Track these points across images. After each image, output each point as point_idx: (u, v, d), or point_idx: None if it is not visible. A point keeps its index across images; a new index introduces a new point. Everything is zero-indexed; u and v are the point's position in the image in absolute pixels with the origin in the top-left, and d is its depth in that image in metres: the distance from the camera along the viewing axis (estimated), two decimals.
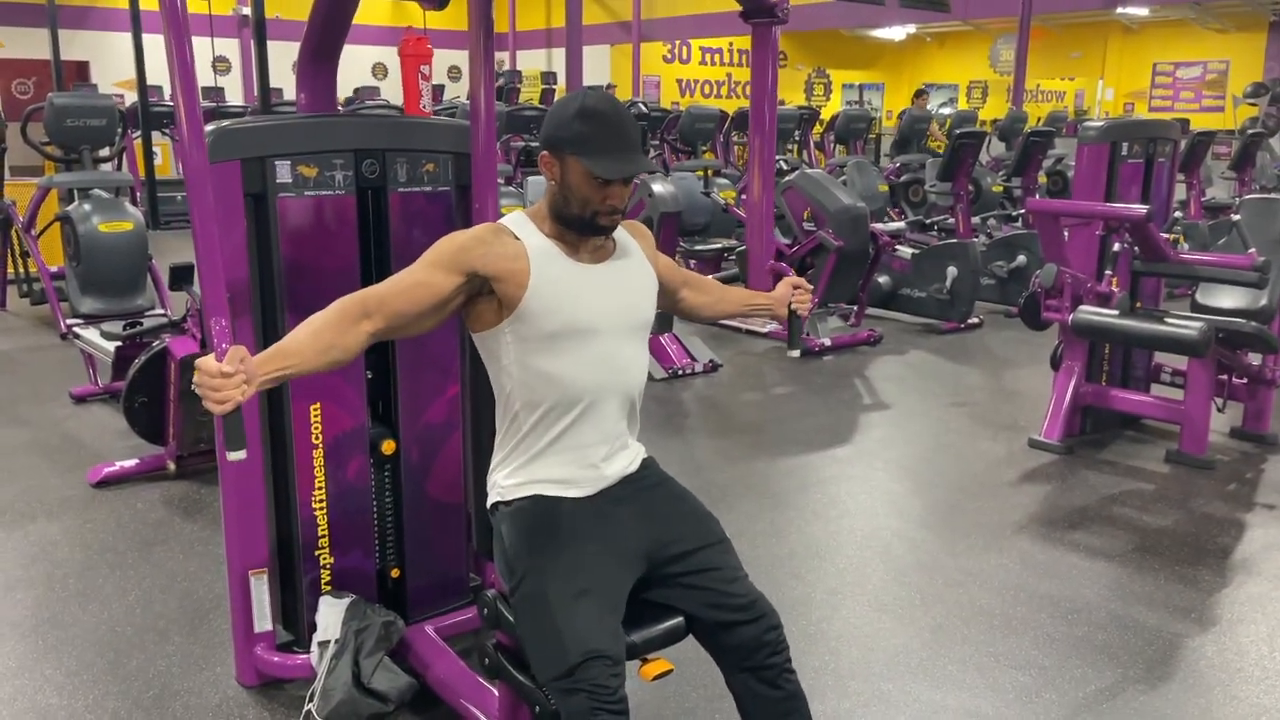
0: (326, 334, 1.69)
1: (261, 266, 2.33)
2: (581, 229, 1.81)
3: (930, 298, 6.80)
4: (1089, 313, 4.20)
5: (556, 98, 2.54)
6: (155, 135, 9.92)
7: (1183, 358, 4.30)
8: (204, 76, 9.89)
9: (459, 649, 2.55)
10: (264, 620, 2.48)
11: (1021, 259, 7.16)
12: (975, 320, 6.84)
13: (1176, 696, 2.58)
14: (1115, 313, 4.23)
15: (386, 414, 2.55)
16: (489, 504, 1.92)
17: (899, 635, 2.86)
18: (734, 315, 2.26)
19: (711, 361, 5.69)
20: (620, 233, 1.93)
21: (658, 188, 5.98)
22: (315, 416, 2.41)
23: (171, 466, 3.91)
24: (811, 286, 2.22)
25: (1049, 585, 3.16)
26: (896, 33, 19.70)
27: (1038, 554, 3.39)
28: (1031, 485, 4.05)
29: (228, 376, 1.53)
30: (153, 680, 2.58)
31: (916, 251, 7.00)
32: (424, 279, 1.76)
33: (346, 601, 2.42)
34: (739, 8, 3.31)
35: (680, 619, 1.83)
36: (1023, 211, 7.99)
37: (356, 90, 14.11)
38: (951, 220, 7.51)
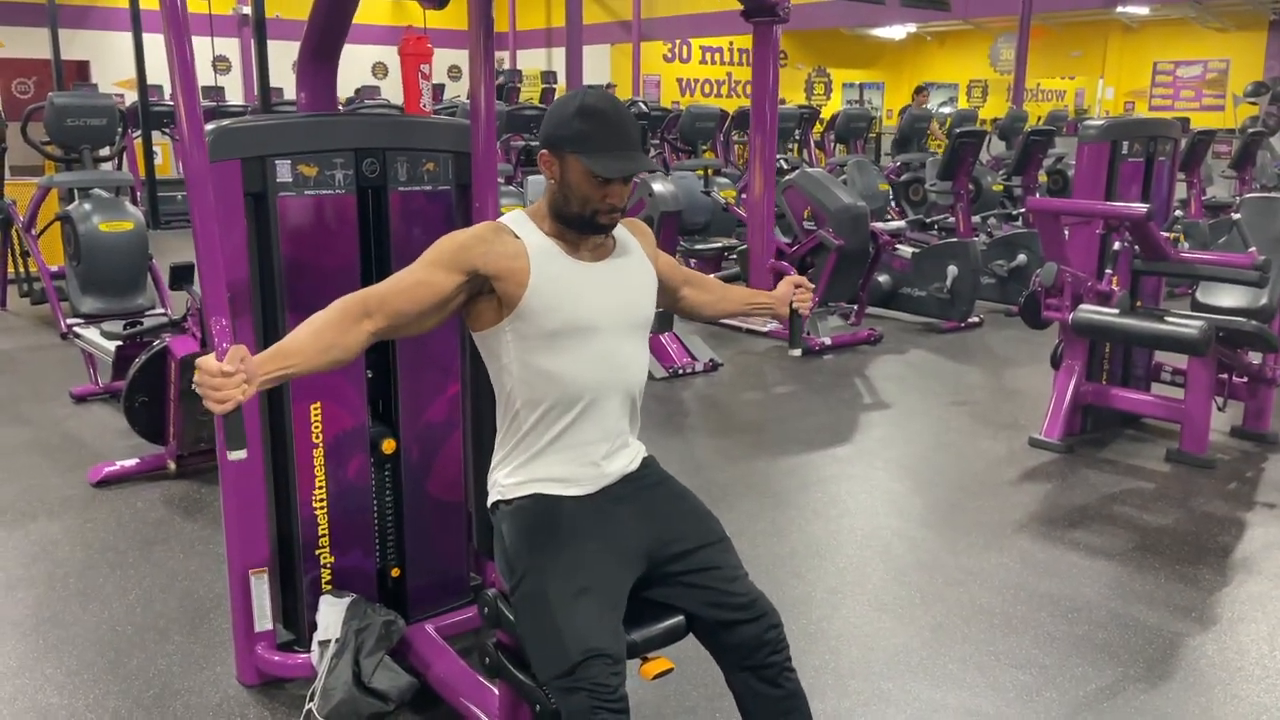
0: (327, 333, 1.69)
1: (262, 266, 2.33)
2: (581, 227, 1.81)
3: (931, 297, 6.79)
4: (1089, 311, 4.20)
5: (556, 97, 2.53)
6: (155, 135, 9.94)
7: (1183, 357, 4.30)
8: (204, 76, 9.87)
9: (459, 648, 2.55)
10: (264, 619, 2.48)
11: (1022, 258, 7.16)
12: (975, 319, 6.84)
13: (1177, 695, 2.58)
14: (1115, 311, 4.23)
15: (387, 413, 2.55)
16: (490, 503, 1.92)
17: (899, 634, 2.86)
18: (736, 314, 2.26)
19: (712, 360, 5.69)
20: (620, 231, 1.93)
21: (658, 187, 5.98)
22: (315, 416, 2.41)
23: (172, 466, 3.91)
24: (813, 286, 2.22)
25: (1049, 584, 3.16)
26: (897, 32, 19.69)
27: (1038, 553, 3.39)
28: (1032, 484, 4.05)
29: (228, 376, 1.53)
30: (153, 679, 2.58)
31: (917, 250, 7.00)
32: (425, 278, 1.76)
33: (347, 601, 2.42)
34: (740, 6, 3.31)
35: (680, 618, 1.83)
36: (1023, 210, 7.99)
37: (358, 90, 14.12)
38: (952, 219, 7.51)
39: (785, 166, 8.36)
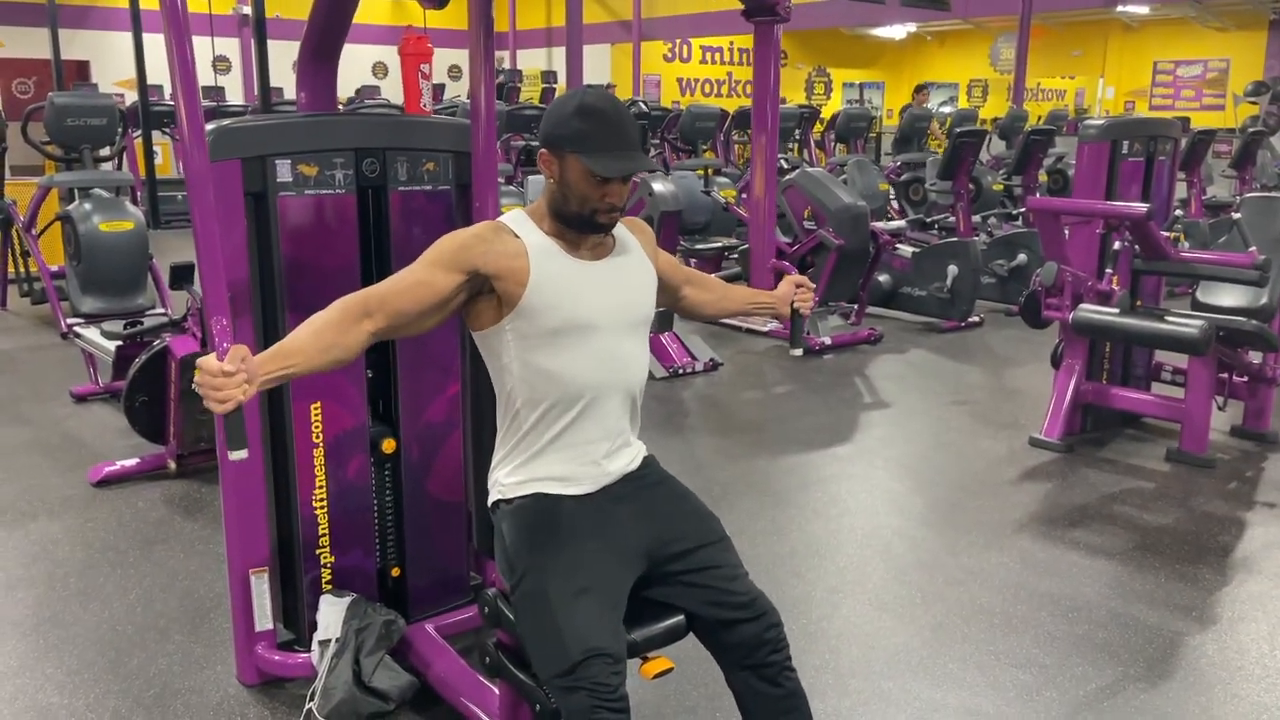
0: (328, 333, 1.69)
1: (262, 265, 2.33)
2: (580, 227, 1.81)
3: (931, 296, 6.79)
4: (1089, 311, 4.20)
5: (556, 97, 2.53)
6: (155, 134, 9.93)
7: (1183, 356, 4.30)
8: (204, 76, 9.88)
9: (460, 647, 2.55)
10: (265, 619, 2.48)
11: (1022, 257, 7.16)
12: (976, 319, 6.84)
13: (1177, 694, 2.58)
14: (1116, 311, 4.23)
15: (387, 413, 2.55)
16: (490, 502, 1.92)
17: (899, 633, 2.86)
18: (737, 313, 2.26)
19: (712, 360, 5.69)
20: (620, 229, 1.93)
21: (658, 186, 5.98)
22: (316, 415, 2.41)
23: (172, 465, 3.91)
24: (814, 285, 2.23)
25: (1049, 583, 3.16)
26: (897, 31, 19.69)
27: (1038, 552, 3.39)
28: (1032, 484, 4.05)
29: (229, 376, 1.53)
30: (154, 679, 2.58)
31: (917, 250, 7.00)
32: (425, 278, 1.76)
33: (347, 600, 2.42)
34: (741, 6, 3.32)
35: (681, 617, 1.83)
36: (1023, 210, 7.99)
37: (358, 90, 14.12)
38: (952, 219, 7.51)
39: (785, 166, 8.36)
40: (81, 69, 15.98)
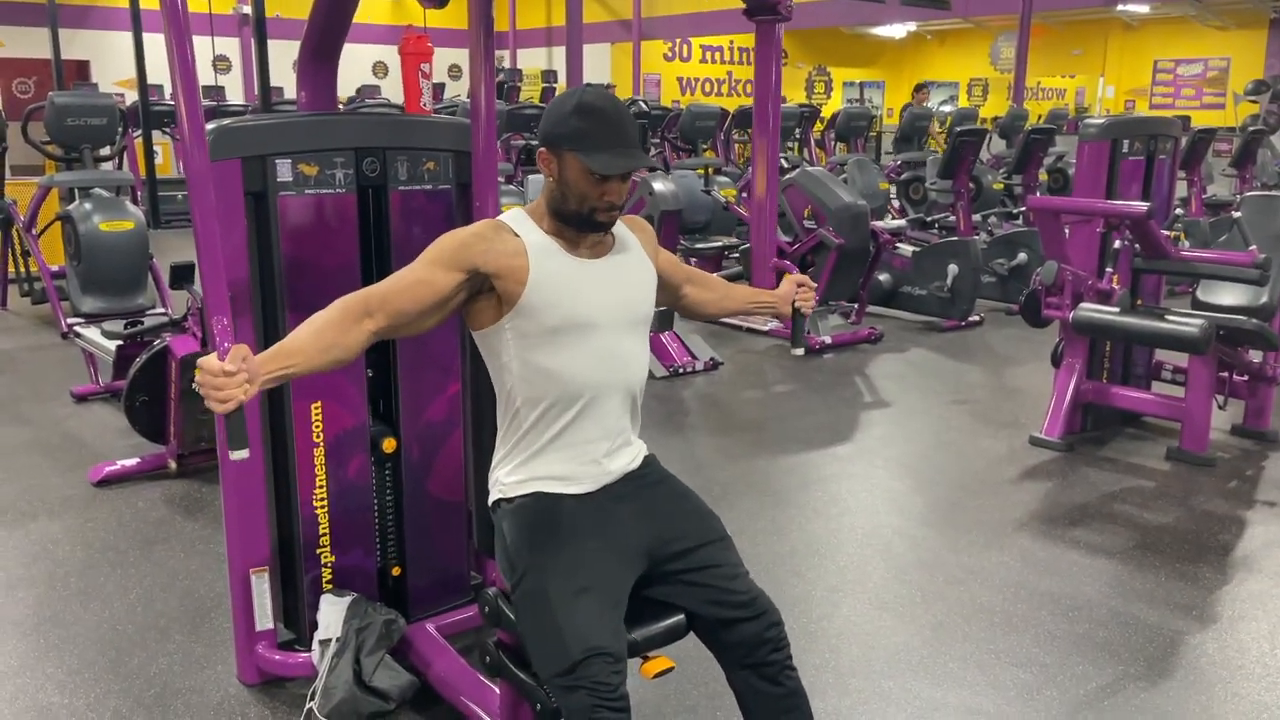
0: (328, 333, 1.69)
1: (262, 265, 2.33)
2: (580, 225, 1.81)
3: (931, 295, 6.79)
4: (1090, 310, 4.20)
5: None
6: (156, 134, 9.92)
7: (1183, 355, 4.30)
8: (204, 75, 9.90)
9: (460, 647, 2.55)
10: (265, 619, 2.48)
11: (1022, 256, 7.16)
12: (976, 318, 6.83)
13: (1177, 694, 2.58)
14: (1116, 310, 4.23)
15: (387, 412, 2.55)
16: (490, 501, 1.92)
17: (900, 633, 2.86)
18: (738, 312, 2.26)
19: (712, 359, 5.69)
20: (620, 228, 1.93)
21: (658, 186, 5.98)
22: (316, 415, 2.41)
23: (172, 465, 3.91)
24: (815, 284, 2.23)
25: (1050, 582, 3.16)
26: (897, 30, 19.70)
27: (1038, 551, 3.39)
28: (1032, 483, 4.05)
29: (230, 375, 1.54)
30: (154, 679, 2.58)
31: (917, 249, 7.00)
32: (425, 277, 1.76)
33: (348, 600, 2.42)
34: (742, 5, 3.32)
35: (681, 616, 1.83)
36: (1023, 209, 7.98)
37: (358, 89, 14.12)
38: (952, 218, 7.51)
39: (786, 165, 8.36)
40: (82, 69, 15.99)
